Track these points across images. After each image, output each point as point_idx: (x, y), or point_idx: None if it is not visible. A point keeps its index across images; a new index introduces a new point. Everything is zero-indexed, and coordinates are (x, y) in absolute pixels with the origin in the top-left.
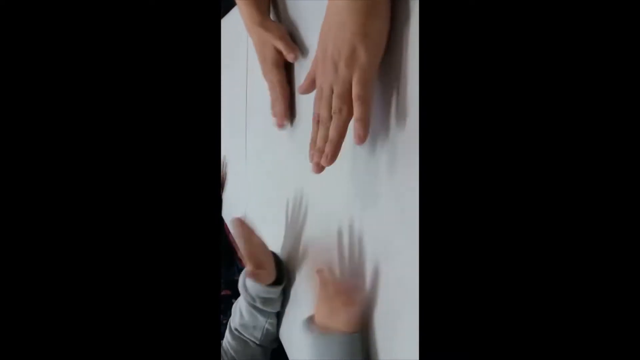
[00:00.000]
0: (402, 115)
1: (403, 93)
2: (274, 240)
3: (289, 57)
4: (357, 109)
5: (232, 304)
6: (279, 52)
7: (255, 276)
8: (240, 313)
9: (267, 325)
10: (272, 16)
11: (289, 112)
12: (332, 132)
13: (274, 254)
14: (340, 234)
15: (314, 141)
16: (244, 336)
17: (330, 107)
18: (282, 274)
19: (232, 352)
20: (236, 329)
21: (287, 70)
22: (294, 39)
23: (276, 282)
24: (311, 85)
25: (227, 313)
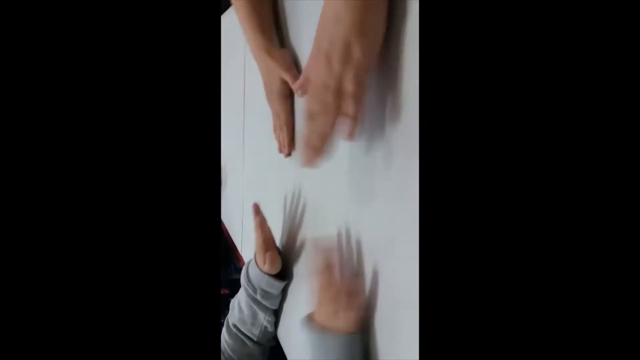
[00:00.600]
0: (401, 113)
1: (402, 89)
2: None
3: (298, 93)
4: (350, 106)
5: (230, 302)
6: (285, 82)
7: (270, 258)
8: (239, 307)
9: (265, 323)
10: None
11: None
12: (324, 127)
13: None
14: (339, 234)
15: (303, 136)
16: (242, 333)
17: (322, 103)
18: (287, 268)
19: (229, 350)
20: (234, 325)
21: (291, 97)
22: (298, 64)
23: (280, 277)
24: (307, 82)
25: (225, 312)
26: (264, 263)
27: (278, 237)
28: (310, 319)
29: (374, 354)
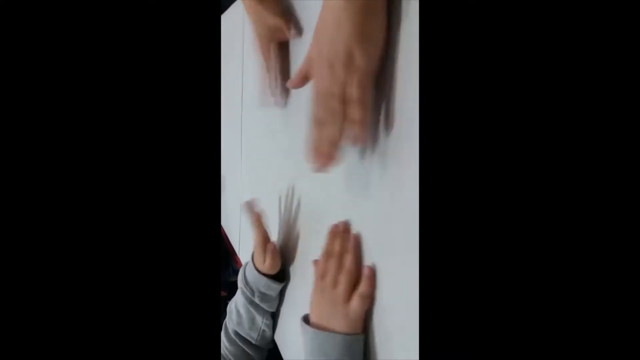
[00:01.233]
0: (401, 113)
1: (401, 90)
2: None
3: (288, 34)
4: (356, 111)
5: (227, 306)
6: (272, 27)
7: (271, 252)
8: (236, 311)
9: (263, 327)
10: None
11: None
12: (332, 134)
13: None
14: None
15: (312, 143)
16: (241, 337)
17: (329, 110)
18: (285, 270)
19: (230, 356)
20: (234, 331)
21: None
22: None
23: (278, 279)
24: (302, 81)
25: (223, 314)
26: (264, 261)
27: (275, 239)
28: (308, 319)
29: (374, 354)
